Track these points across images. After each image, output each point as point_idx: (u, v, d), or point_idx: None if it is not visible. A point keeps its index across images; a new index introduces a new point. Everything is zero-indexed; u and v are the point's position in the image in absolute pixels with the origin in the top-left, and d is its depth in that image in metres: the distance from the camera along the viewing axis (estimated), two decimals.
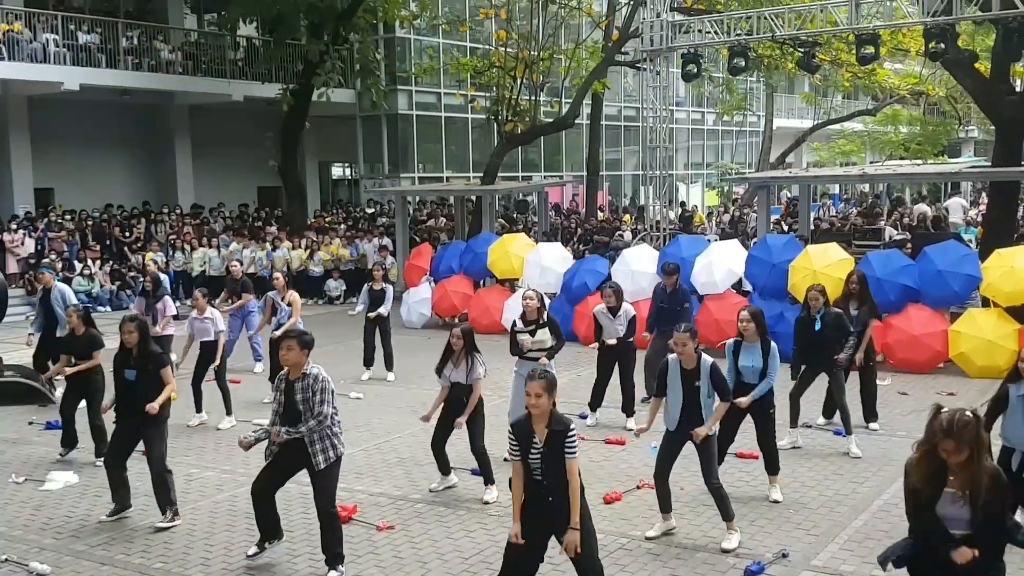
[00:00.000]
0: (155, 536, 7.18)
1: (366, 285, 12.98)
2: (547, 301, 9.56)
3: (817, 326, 8.87)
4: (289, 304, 11.68)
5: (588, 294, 14.69)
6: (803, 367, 9.09)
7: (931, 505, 4.28)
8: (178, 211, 24.96)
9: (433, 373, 8.06)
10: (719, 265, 14.12)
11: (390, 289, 12.85)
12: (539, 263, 15.69)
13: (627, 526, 7.17)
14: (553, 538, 5.34)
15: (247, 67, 25.84)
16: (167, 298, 12.21)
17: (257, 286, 18.93)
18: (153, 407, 7.22)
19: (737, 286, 14.78)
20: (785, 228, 22.85)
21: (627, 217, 28.14)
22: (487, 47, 27.40)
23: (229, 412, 10.41)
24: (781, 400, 8.07)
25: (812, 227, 21.11)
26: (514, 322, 8.96)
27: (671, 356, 6.90)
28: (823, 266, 13.11)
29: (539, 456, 5.16)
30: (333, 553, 6.34)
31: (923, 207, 26.42)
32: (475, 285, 17.17)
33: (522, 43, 23.04)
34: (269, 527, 6.62)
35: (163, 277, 13.39)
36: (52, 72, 21.51)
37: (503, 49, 23.31)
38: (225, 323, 10.83)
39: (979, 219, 24.93)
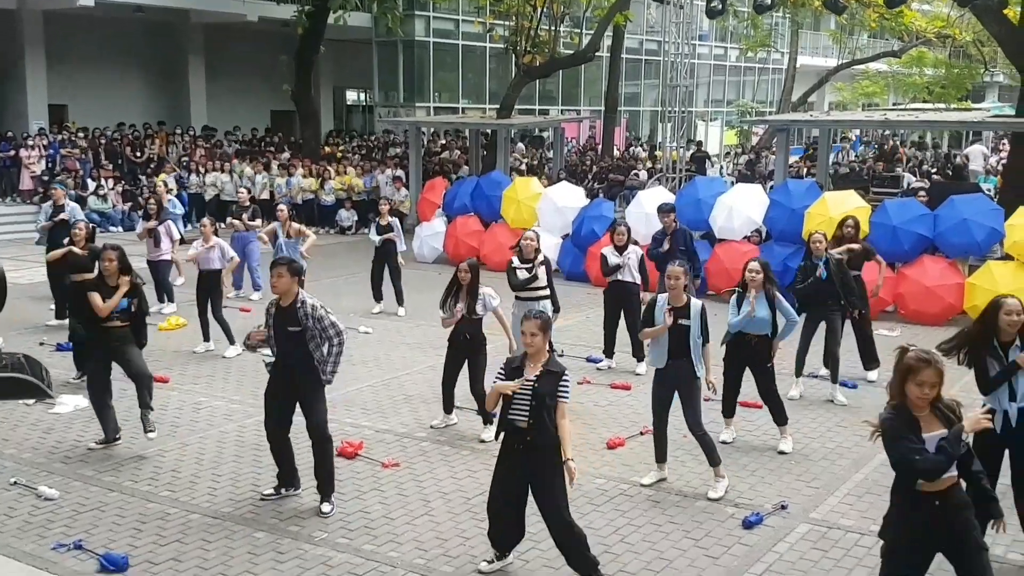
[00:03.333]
0: (163, 464, 7.29)
1: (373, 222, 12.97)
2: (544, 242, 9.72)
3: (823, 274, 8.86)
4: (289, 236, 11.75)
5: (597, 239, 14.56)
6: (804, 316, 9.05)
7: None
8: (191, 132, 24.81)
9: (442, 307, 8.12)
10: (739, 211, 13.97)
11: (397, 223, 12.81)
12: (553, 205, 15.55)
13: (629, 472, 7.23)
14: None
15: None
16: (170, 222, 12.34)
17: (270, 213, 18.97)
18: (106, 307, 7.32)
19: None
20: (803, 173, 22.56)
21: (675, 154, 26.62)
22: None
23: (232, 342, 10.49)
24: (781, 354, 8.06)
25: (831, 171, 20.86)
26: (512, 260, 9.06)
27: (661, 295, 6.98)
28: (839, 213, 12.95)
29: (529, 392, 5.28)
30: (326, 472, 6.50)
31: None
32: (485, 224, 17.06)
33: None
34: (287, 473, 6.71)
35: (171, 200, 13.38)
36: None
37: None
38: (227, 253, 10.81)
39: (999, 168, 24.58)
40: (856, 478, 7.20)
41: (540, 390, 5.30)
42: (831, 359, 9.08)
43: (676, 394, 6.89)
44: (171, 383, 9.33)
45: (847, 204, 13.30)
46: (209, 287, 10.46)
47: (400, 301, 12.73)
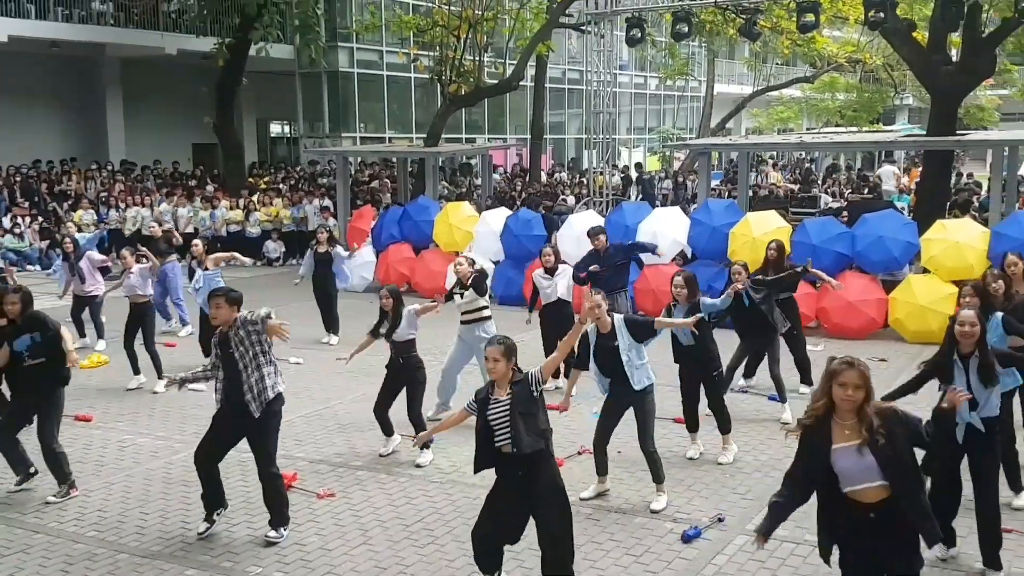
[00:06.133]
0: (88, 504, 7.05)
1: (310, 249, 12.79)
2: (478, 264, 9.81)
3: (746, 301, 9.01)
4: (207, 268, 11.33)
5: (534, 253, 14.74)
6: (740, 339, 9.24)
7: (820, 456, 4.27)
8: (109, 167, 24.30)
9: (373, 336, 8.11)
10: (664, 234, 14.20)
11: (339, 250, 12.70)
12: (489, 229, 15.59)
13: (568, 491, 7.20)
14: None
15: (181, 19, 25.13)
16: (87, 252, 12.09)
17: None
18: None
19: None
20: (725, 195, 23.07)
21: (600, 179, 26.72)
22: (430, 4, 26.98)
23: (161, 375, 10.24)
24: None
25: (750, 194, 21.36)
26: (453, 286, 9.16)
27: (589, 327, 6.92)
28: (761, 233, 13.27)
29: (506, 410, 5.13)
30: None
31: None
32: (416, 251, 17.00)
33: (466, 2, 22.71)
34: (216, 498, 6.55)
35: (81, 236, 13.08)
36: None
37: (447, 7, 22.97)
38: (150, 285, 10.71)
39: (912, 187, 25.46)
40: None
41: (517, 404, 5.16)
42: (775, 381, 9.17)
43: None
44: (94, 421, 9.04)
45: (768, 224, 13.62)
46: (139, 319, 10.26)
47: (333, 328, 12.60)
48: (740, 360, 9.30)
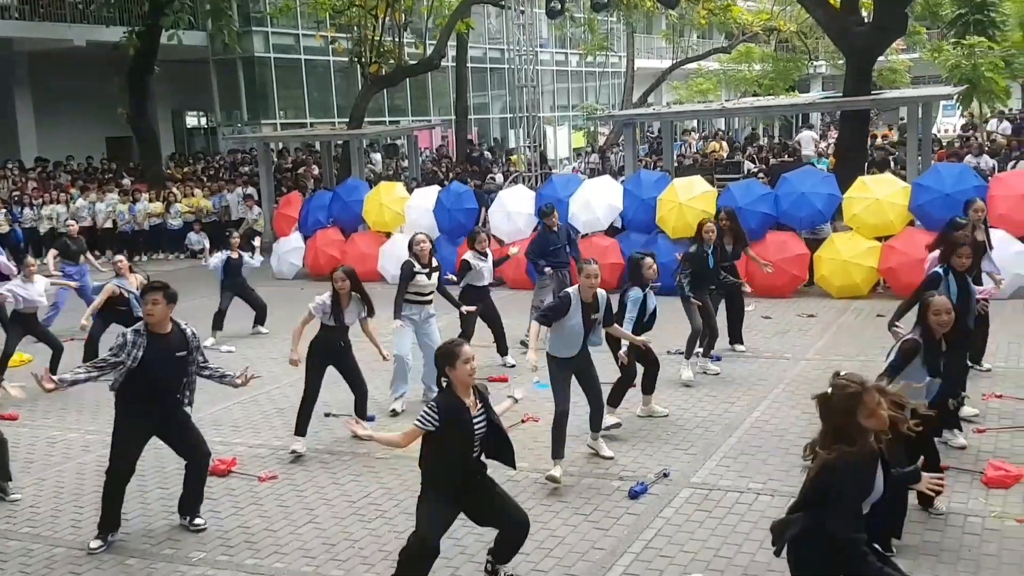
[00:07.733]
0: (19, 501, 6.79)
1: (223, 254, 11.98)
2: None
3: (711, 263, 9.28)
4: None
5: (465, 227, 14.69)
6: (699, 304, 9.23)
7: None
8: (18, 164, 23.46)
9: (305, 325, 7.79)
10: (598, 201, 14.26)
11: (247, 258, 11.98)
12: (423, 206, 15.42)
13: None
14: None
15: (88, 10, 24.30)
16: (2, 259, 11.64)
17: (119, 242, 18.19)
18: None
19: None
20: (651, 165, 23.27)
21: (514, 158, 27.25)
22: None
23: None
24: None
25: (675, 163, 21.57)
26: (410, 262, 8.65)
27: (571, 289, 6.95)
28: (688, 198, 13.42)
29: (482, 423, 5.00)
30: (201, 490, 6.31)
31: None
32: (345, 235, 16.74)
33: None
34: (117, 518, 6.16)
35: None
36: None
37: None
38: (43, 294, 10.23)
39: (830, 151, 25.99)
40: (730, 442, 7.42)
41: (494, 428, 5.10)
42: (711, 333, 9.36)
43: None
44: (20, 419, 8.73)
45: (694, 189, 13.76)
46: (21, 326, 9.90)
47: (260, 319, 12.35)
48: (712, 316, 9.41)
